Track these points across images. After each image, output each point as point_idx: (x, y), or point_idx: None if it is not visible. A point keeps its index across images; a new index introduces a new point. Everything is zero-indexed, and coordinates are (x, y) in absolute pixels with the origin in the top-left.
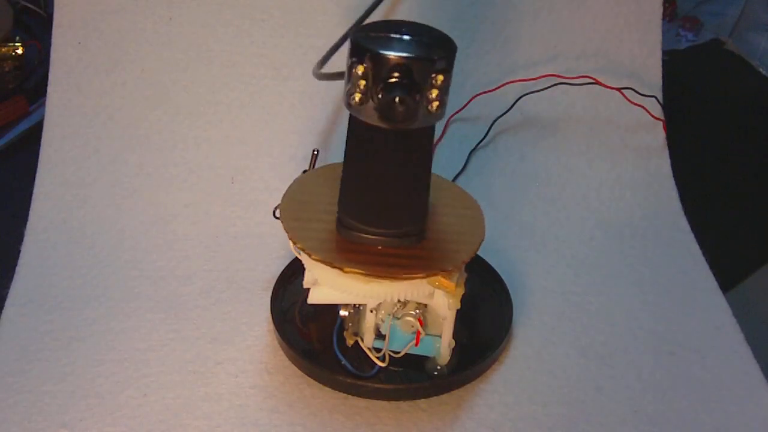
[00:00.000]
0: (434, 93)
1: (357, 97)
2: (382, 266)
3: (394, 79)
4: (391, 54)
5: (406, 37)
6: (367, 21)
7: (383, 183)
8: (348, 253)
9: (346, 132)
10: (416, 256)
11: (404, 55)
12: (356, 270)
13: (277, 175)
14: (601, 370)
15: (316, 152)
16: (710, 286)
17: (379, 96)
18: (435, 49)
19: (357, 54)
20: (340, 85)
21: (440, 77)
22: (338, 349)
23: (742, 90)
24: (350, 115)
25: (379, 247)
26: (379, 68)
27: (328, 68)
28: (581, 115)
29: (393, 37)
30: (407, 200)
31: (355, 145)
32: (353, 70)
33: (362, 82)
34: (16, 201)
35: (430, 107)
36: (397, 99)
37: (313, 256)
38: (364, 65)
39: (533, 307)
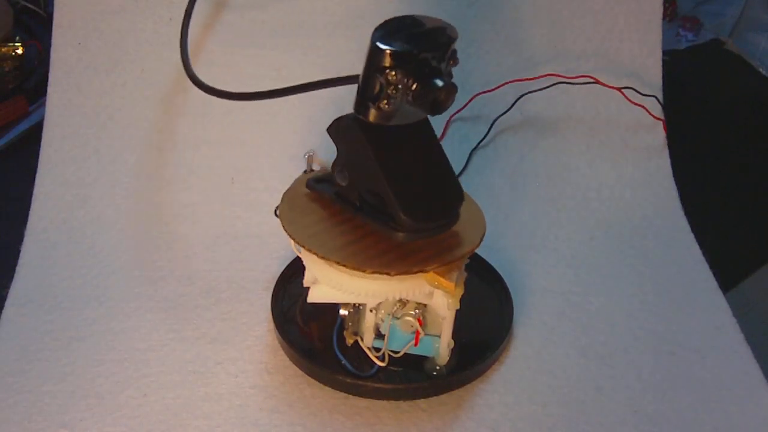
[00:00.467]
0: None
1: (385, 103)
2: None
3: (427, 71)
4: (416, 49)
5: (414, 31)
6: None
7: (429, 173)
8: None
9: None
10: (419, 252)
11: (425, 46)
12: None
13: (277, 175)
14: (601, 370)
15: (311, 153)
16: (710, 286)
17: (419, 92)
18: (446, 35)
19: (381, 62)
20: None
21: (451, 61)
22: (338, 348)
23: (742, 90)
24: (361, 126)
25: (404, 243)
26: (408, 67)
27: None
28: (581, 115)
29: (406, 35)
30: (451, 181)
31: (385, 150)
32: (383, 79)
33: (392, 90)
34: (16, 201)
35: None
36: (440, 86)
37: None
38: (394, 70)
39: (533, 307)
